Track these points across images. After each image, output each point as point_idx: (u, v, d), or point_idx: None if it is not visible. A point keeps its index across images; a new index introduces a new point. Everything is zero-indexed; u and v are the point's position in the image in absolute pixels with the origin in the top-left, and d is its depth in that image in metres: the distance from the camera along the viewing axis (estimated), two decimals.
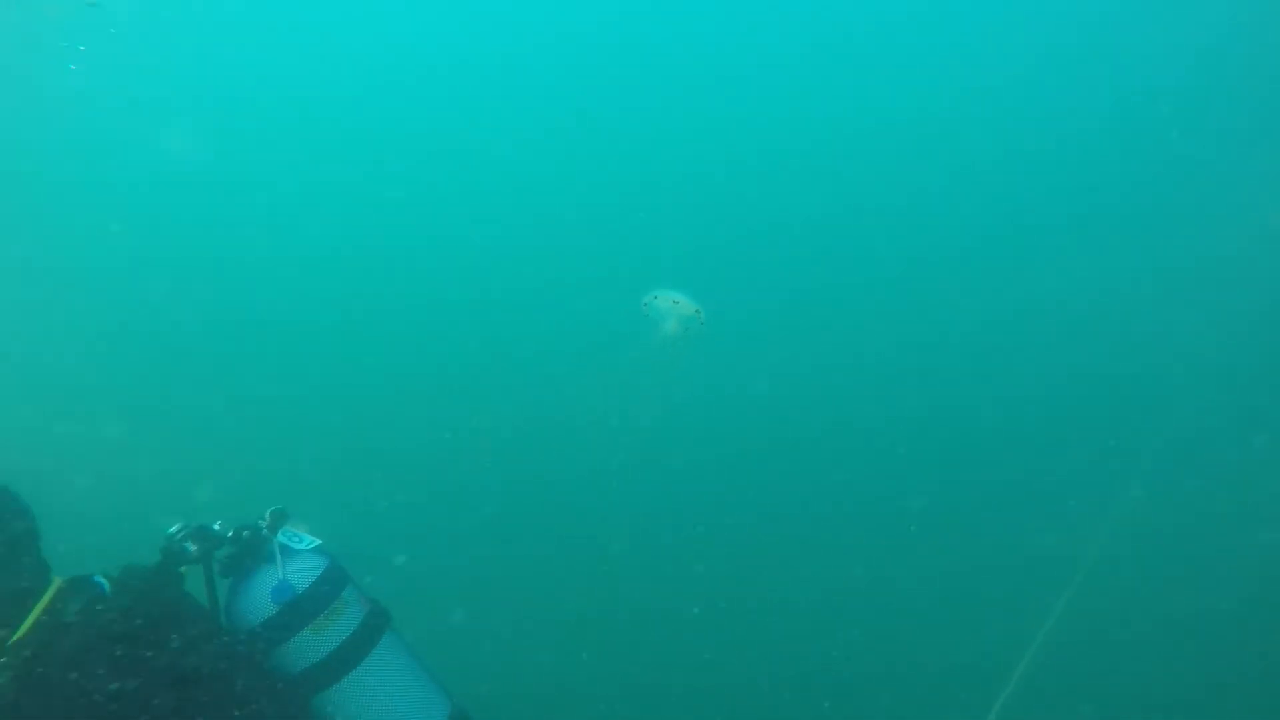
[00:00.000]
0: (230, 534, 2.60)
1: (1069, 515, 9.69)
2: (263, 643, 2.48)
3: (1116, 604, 8.83)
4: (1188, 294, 11.28)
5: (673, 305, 4.69)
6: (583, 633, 8.52)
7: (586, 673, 8.28)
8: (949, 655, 8.55)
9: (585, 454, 9.98)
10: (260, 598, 2.51)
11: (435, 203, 13.19)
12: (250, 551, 2.59)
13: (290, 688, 2.46)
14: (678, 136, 13.18)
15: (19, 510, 2.32)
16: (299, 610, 2.50)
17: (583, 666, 8.29)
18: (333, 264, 12.67)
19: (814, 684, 8.55)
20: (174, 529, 2.56)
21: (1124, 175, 12.47)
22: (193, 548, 2.54)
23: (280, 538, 2.64)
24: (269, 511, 2.67)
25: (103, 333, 11.47)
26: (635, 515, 9.65)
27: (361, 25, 13.46)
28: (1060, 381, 11.15)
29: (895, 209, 12.39)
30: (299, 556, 2.60)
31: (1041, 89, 12.92)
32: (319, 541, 2.69)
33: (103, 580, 2.36)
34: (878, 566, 9.68)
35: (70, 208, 12.01)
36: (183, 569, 2.52)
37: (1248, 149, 11.96)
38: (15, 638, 2.12)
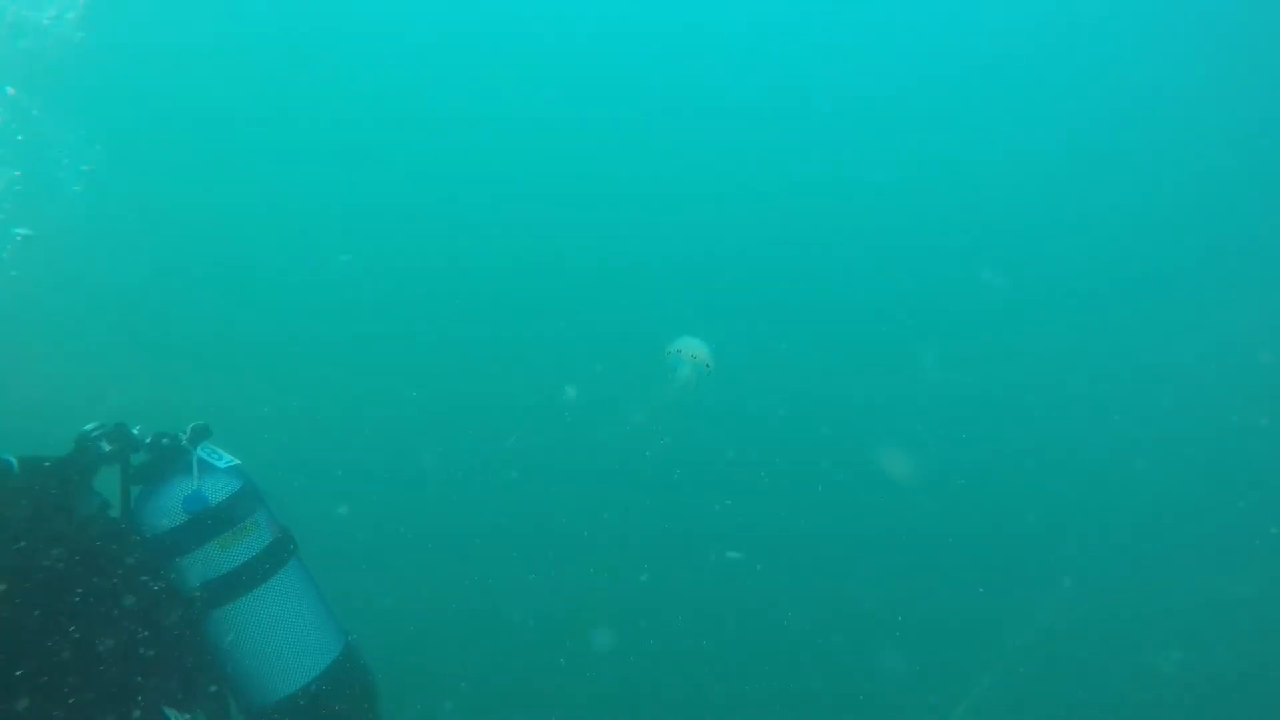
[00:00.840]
0: (148, 440, 2.58)
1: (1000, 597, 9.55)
2: (165, 550, 2.46)
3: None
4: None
5: (690, 359, 5.05)
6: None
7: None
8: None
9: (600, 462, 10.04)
10: (170, 505, 2.49)
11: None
12: (167, 461, 2.57)
13: (182, 598, 2.44)
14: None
15: None
16: (207, 523, 2.49)
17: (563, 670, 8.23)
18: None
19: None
20: (90, 426, 2.54)
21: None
22: (107, 446, 2.51)
23: (199, 452, 2.62)
24: (190, 426, 2.66)
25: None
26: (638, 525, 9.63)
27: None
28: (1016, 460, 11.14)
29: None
30: (215, 472, 2.59)
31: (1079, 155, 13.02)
32: (238, 461, 2.67)
33: (11, 459, 2.33)
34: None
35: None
36: (95, 465, 2.49)
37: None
38: None
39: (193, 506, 2.47)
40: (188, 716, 2.33)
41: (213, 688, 2.43)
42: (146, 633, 2.31)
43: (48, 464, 2.38)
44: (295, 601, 2.56)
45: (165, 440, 2.58)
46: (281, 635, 2.50)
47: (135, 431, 2.59)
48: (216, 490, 2.53)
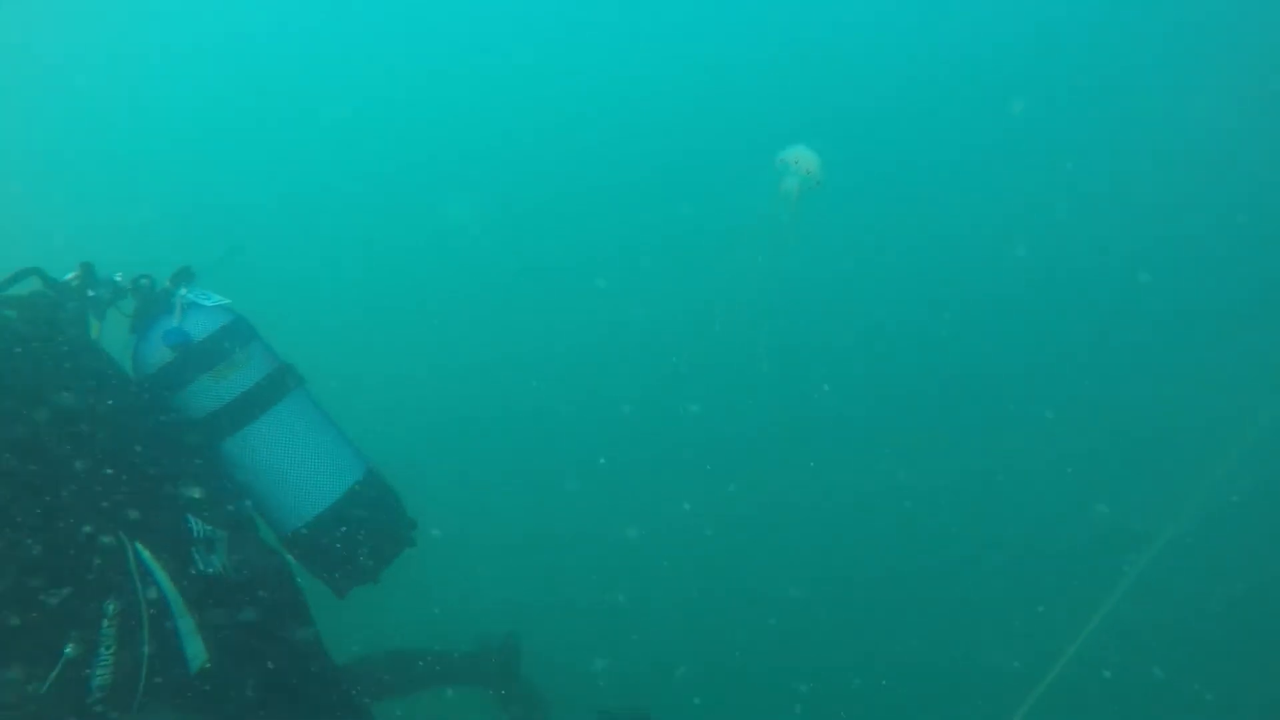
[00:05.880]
0: (129, 285, 2.53)
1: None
2: (161, 387, 2.44)
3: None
4: None
5: (794, 164, 4.89)
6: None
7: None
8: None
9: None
10: (155, 345, 2.46)
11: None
12: (151, 304, 2.53)
13: (192, 430, 2.42)
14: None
15: None
16: (196, 356, 2.45)
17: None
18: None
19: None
20: (70, 275, 2.48)
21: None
22: (91, 293, 2.46)
23: (186, 293, 2.56)
24: (176, 269, 2.62)
25: None
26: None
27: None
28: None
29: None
30: (203, 310, 2.54)
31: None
32: (228, 301, 2.61)
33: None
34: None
35: None
36: (81, 310, 2.42)
37: None
38: None
39: (173, 340, 2.43)
40: (210, 528, 2.28)
41: (230, 506, 2.39)
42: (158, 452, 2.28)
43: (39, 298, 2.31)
44: (303, 428, 2.52)
45: (144, 281, 2.53)
46: (294, 462, 2.47)
47: (118, 278, 2.53)
48: (201, 326, 2.49)
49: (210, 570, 2.18)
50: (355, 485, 2.49)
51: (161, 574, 2.09)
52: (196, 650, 2.14)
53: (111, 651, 1.91)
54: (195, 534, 2.21)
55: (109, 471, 2.08)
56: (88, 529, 1.94)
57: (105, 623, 1.90)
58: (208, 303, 2.55)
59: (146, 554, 2.07)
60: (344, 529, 2.43)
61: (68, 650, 1.83)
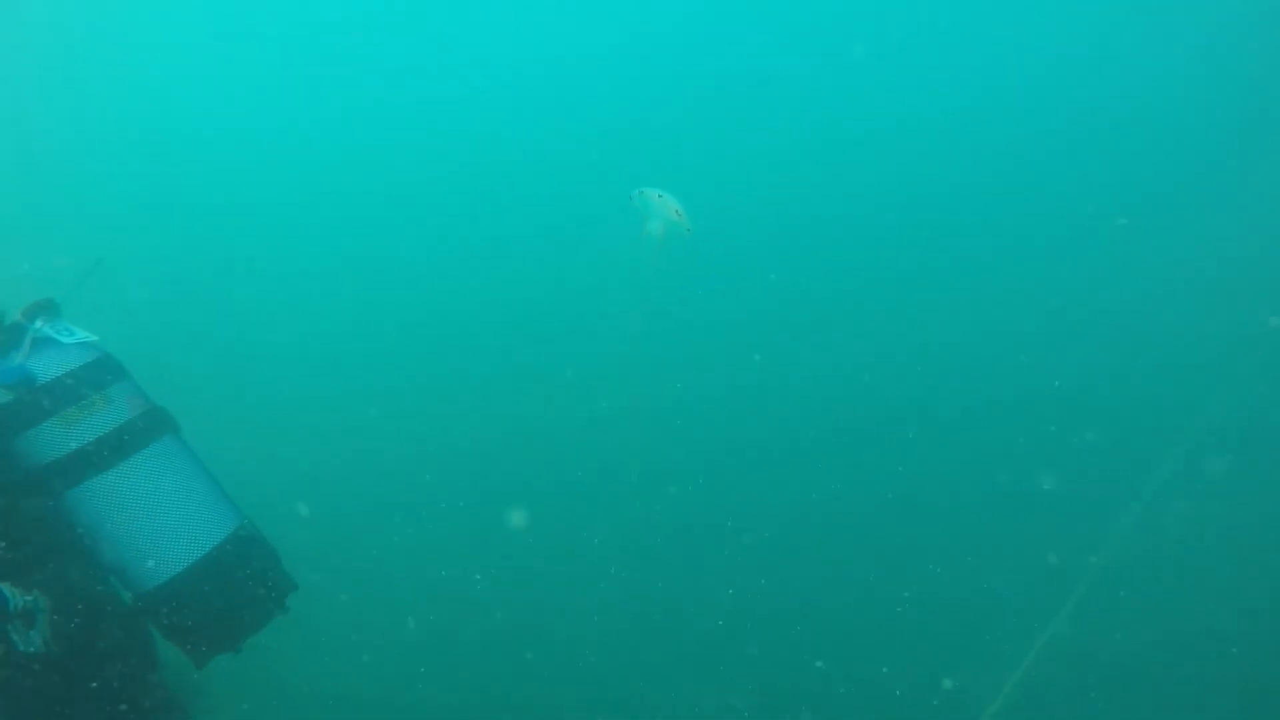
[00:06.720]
0: None
1: (1072, 526, 8.97)
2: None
3: (1118, 620, 8.08)
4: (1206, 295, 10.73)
5: (657, 200, 4.53)
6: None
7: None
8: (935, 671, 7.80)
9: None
10: None
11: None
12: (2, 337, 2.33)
13: (26, 480, 2.21)
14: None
15: None
16: (39, 398, 2.25)
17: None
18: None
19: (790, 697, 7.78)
20: None
21: (1130, 176, 12.10)
22: None
23: (45, 328, 2.35)
24: (33, 301, 2.40)
25: None
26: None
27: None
28: (1070, 383, 10.54)
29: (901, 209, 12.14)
30: (59, 347, 2.34)
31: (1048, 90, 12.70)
32: (95, 338, 2.40)
33: None
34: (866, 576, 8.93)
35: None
36: None
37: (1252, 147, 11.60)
38: None
39: (11, 380, 2.23)
40: (30, 598, 2.08)
41: (64, 567, 2.19)
42: None
43: None
44: (161, 481, 2.30)
45: None
46: (141, 518, 2.26)
47: None
48: (53, 365, 2.30)
49: (30, 649, 1.99)
50: (215, 548, 2.28)
51: None
52: None
53: None
54: (11, 606, 2.01)
55: None
56: None
57: None
58: (67, 339, 2.34)
59: None
60: (196, 595, 2.23)
61: None
